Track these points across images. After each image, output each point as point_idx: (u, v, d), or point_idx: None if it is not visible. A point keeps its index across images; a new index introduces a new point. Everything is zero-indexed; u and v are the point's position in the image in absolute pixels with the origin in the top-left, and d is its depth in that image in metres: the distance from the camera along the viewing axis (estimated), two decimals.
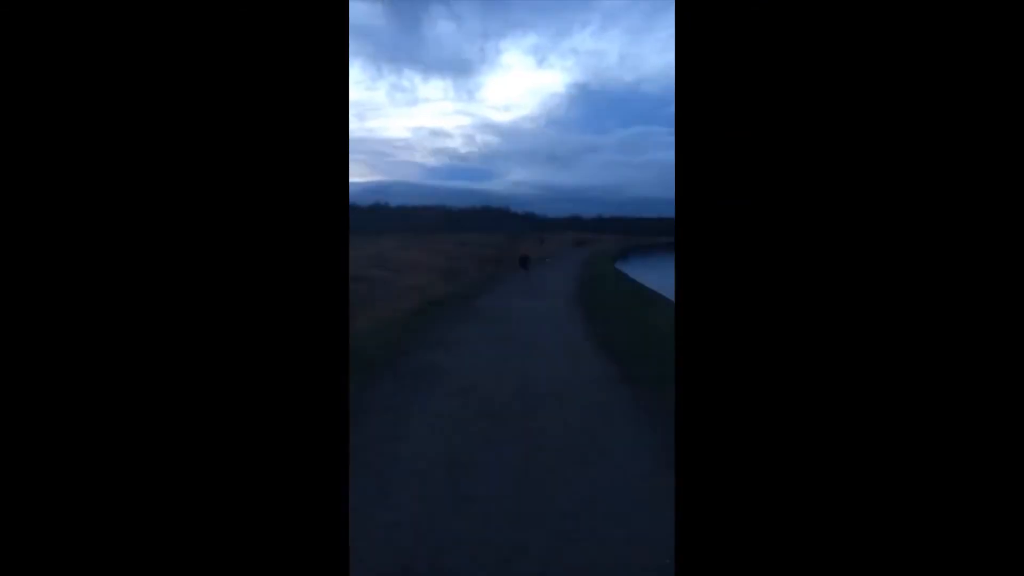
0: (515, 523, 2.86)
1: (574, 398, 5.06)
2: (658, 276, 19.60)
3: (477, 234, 46.09)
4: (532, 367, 6.24)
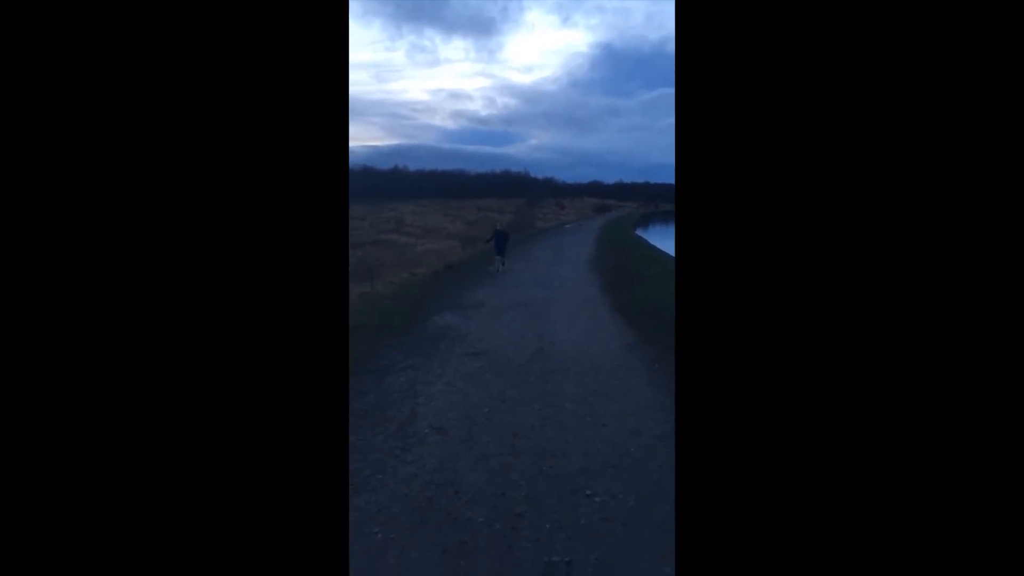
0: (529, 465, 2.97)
1: (591, 366, 5.13)
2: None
3: (496, 200, 45.86)
4: (548, 332, 6.31)
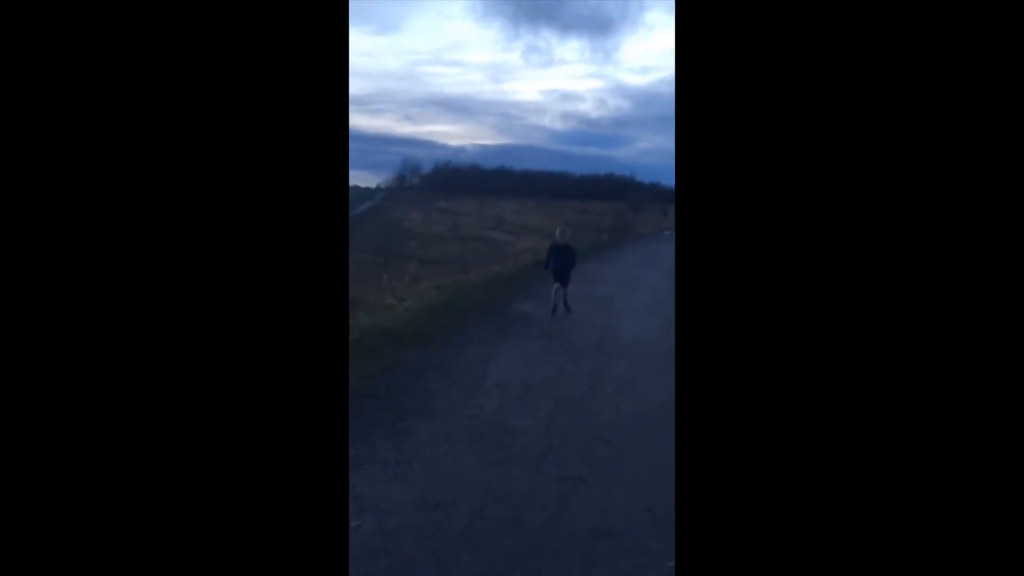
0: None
1: (646, 352, 5.73)
2: None
3: (599, 202, 46.08)
4: (615, 323, 6.94)
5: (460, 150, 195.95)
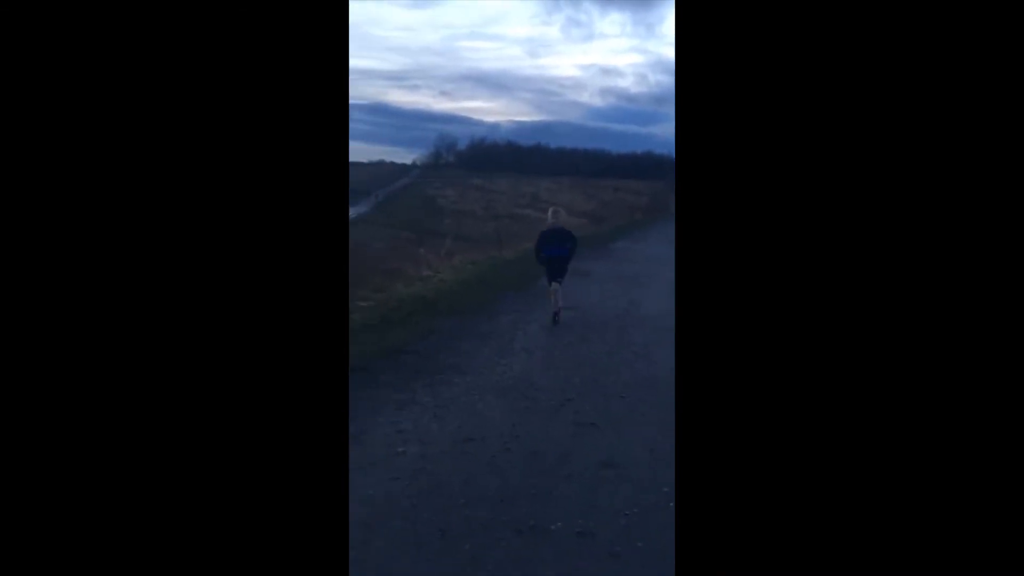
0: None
1: (666, 326, 6.10)
2: None
3: (635, 181, 45.78)
4: (639, 298, 7.30)
5: (496, 126, 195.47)
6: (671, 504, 2.48)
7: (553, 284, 5.76)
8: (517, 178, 46.73)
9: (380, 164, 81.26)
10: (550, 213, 6.23)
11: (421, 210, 30.36)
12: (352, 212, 33.76)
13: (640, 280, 8.51)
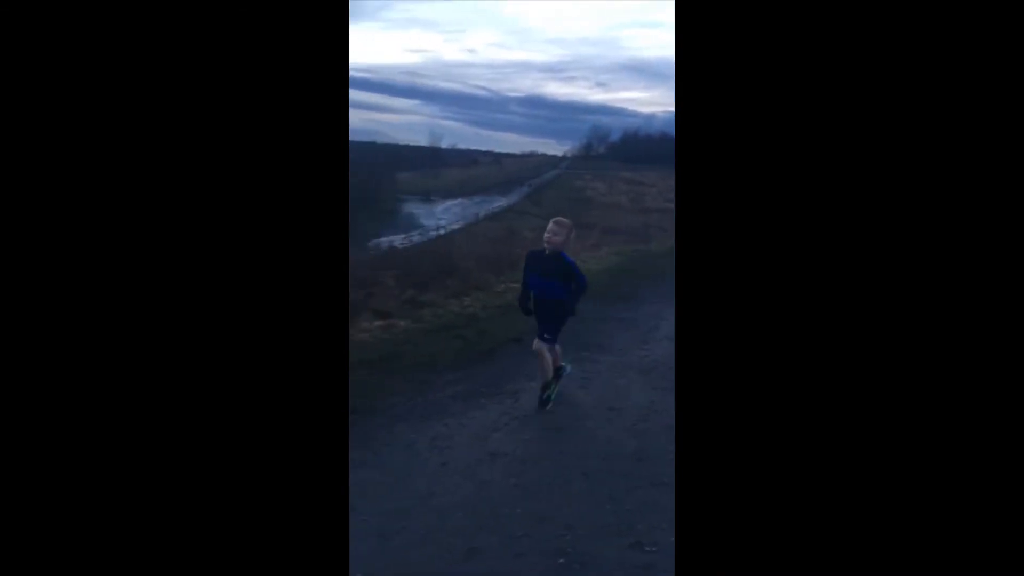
0: None
1: None
2: None
3: None
4: None
5: (651, 117, 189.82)
6: None
7: (537, 342, 3.44)
8: (666, 171, 45.38)
9: (531, 156, 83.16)
10: (549, 229, 3.38)
11: (569, 201, 30.88)
12: (504, 201, 35.29)
13: None
